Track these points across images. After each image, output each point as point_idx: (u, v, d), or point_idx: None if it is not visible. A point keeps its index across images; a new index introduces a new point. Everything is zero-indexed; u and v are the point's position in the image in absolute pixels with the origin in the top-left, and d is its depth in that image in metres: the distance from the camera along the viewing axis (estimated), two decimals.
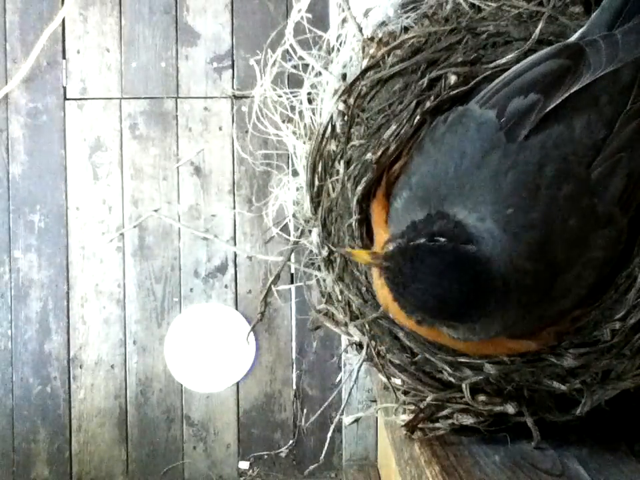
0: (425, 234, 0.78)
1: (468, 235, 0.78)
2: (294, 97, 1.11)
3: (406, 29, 1.00)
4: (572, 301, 0.83)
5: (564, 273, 0.80)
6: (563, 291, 0.81)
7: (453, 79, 0.92)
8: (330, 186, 0.97)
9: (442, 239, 0.77)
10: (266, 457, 2.56)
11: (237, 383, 2.54)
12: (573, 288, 0.82)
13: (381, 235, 0.88)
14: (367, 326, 0.94)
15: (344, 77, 1.02)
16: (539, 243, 0.78)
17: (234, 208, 2.51)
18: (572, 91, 0.80)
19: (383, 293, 0.84)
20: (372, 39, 1.02)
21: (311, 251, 1.03)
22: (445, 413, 0.92)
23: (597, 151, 0.80)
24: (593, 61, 0.81)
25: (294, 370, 2.55)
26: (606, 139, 0.80)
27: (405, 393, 0.94)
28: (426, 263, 0.76)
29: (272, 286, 1.20)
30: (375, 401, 1.25)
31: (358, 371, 1.00)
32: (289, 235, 1.16)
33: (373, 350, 0.93)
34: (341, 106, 0.97)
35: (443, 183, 0.82)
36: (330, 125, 0.98)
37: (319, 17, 1.19)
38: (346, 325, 0.97)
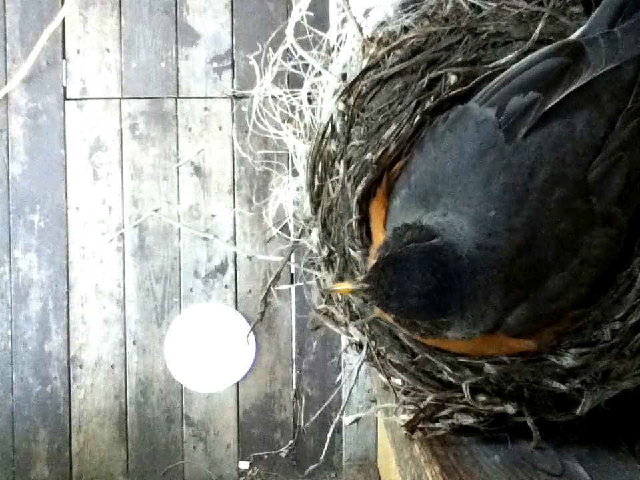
0: (398, 246, 0.79)
1: (432, 232, 0.79)
2: (294, 96, 1.11)
3: (406, 29, 1.00)
4: (571, 299, 0.83)
5: (557, 272, 0.80)
6: (560, 289, 0.81)
7: (453, 78, 0.92)
8: (330, 186, 0.97)
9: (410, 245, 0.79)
10: (266, 456, 2.56)
11: (237, 383, 2.54)
12: (572, 286, 0.82)
13: (379, 237, 0.88)
14: (367, 326, 0.94)
15: (344, 77, 1.02)
16: (521, 243, 0.79)
17: (234, 208, 2.51)
18: (572, 89, 0.80)
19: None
20: (372, 39, 1.02)
21: (311, 251, 1.03)
22: (445, 412, 0.92)
23: (597, 150, 0.80)
24: (592, 59, 0.81)
25: (294, 370, 2.55)
26: (607, 137, 0.80)
27: (405, 392, 0.94)
28: (397, 269, 0.78)
29: (272, 286, 1.20)
30: (375, 401, 1.25)
31: (358, 371, 0.99)
32: (289, 235, 1.16)
33: (372, 350, 0.94)
34: (341, 106, 0.97)
35: (441, 182, 0.82)
36: (330, 124, 0.98)
37: (319, 17, 1.19)
38: (346, 324, 0.97)
